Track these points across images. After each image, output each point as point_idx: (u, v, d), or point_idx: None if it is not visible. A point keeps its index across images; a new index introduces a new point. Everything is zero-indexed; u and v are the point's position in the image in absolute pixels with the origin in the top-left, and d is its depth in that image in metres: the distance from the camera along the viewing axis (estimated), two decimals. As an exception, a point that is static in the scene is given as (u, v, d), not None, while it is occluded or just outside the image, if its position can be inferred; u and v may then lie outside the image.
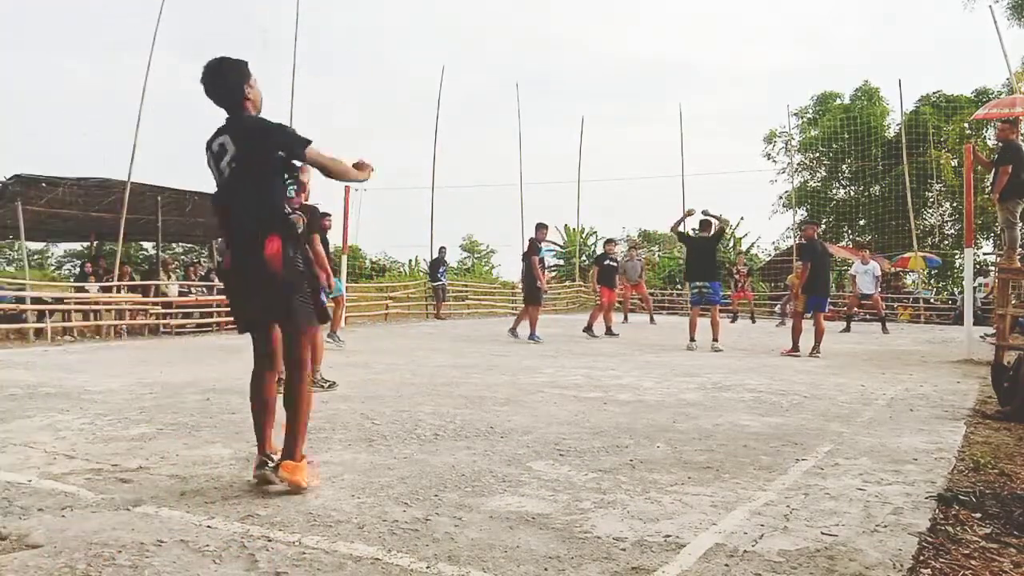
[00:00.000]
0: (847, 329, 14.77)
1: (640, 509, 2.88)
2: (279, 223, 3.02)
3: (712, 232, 10.55)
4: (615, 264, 13.43)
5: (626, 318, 17.60)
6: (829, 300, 9.91)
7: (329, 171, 3.15)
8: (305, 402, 3.12)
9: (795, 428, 4.58)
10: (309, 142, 3.05)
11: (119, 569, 2.24)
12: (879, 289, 16.18)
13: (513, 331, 11.42)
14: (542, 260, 11.55)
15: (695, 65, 70.82)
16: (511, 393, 5.88)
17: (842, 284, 26.19)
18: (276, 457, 3.09)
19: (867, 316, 20.65)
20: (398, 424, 4.52)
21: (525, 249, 11.55)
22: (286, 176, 3.16)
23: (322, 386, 5.83)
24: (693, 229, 11.11)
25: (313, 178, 5.51)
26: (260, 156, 3.05)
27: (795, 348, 9.44)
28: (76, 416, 4.69)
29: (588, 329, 12.24)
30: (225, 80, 3.11)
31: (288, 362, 3.12)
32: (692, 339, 10.30)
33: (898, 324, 18.83)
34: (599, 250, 32.11)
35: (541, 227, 11.47)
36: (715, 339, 10.05)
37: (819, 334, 9.41)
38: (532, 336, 11.03)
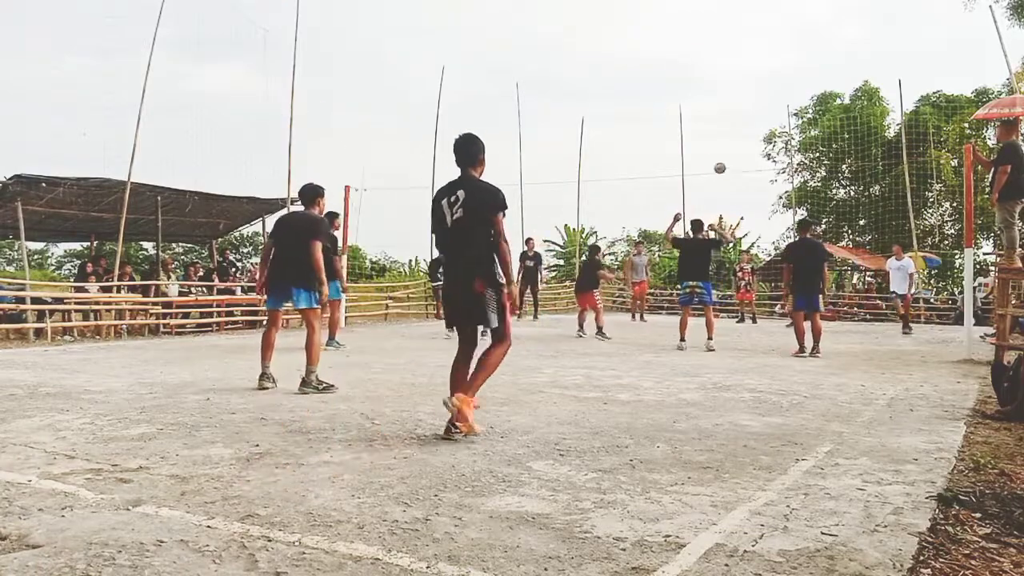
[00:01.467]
0: (908, 331, 14.23)
1: (640, 509, 2.88)
2: (485, 267, 4.20)
3: (708, 236, 10.59)
4: (531, 264, 14.39)
5: (641, 317, 17.65)
6: (823, 299, 9.91)
7: (502, 237, 4.25)
8: (494, 364, 4.30)
9: (795, 428, 4.58)
10: (507, 208, 4.30)
11: (119, 569, 2.24)
12: (912, 290, 15.58)
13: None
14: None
15: (695, 65, 70.82)
16: (511, 393, 5.88)
17: (842, 284, 26.22)
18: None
19: (867, 316, 20.66)
20: (398, 424, 4.52)
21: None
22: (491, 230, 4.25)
23: (317, 388, 5.80)
24: (687, 232, 11.16)
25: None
26: (483, 209, 4.21)
27: (801, 348, 9.45)
28: (76, 416, 4.69)
29: (600, 332, 12.24)
30: (473, 150, 4.36)
31: (494, 341, 4.34)
32: (683, 339, 10.31)
33: (898, 324, 18.83)
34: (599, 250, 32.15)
35: (530, 240, 12.18)
36: (709, 338, 10.07)
37: (816, 334, 9.43)
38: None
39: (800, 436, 4.33)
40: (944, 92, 26.99)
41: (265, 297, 6.43)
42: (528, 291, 16.74)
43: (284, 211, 15.78)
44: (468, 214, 4.20)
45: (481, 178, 4.37)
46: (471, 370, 4.30)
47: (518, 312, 14.62)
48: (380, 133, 57.81)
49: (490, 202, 4.23)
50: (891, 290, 15.35)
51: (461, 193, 4.23)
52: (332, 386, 5.89)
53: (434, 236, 4.54)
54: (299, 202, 6.59)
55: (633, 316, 17.80)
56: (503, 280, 4.21)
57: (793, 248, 10.08)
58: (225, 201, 15.09)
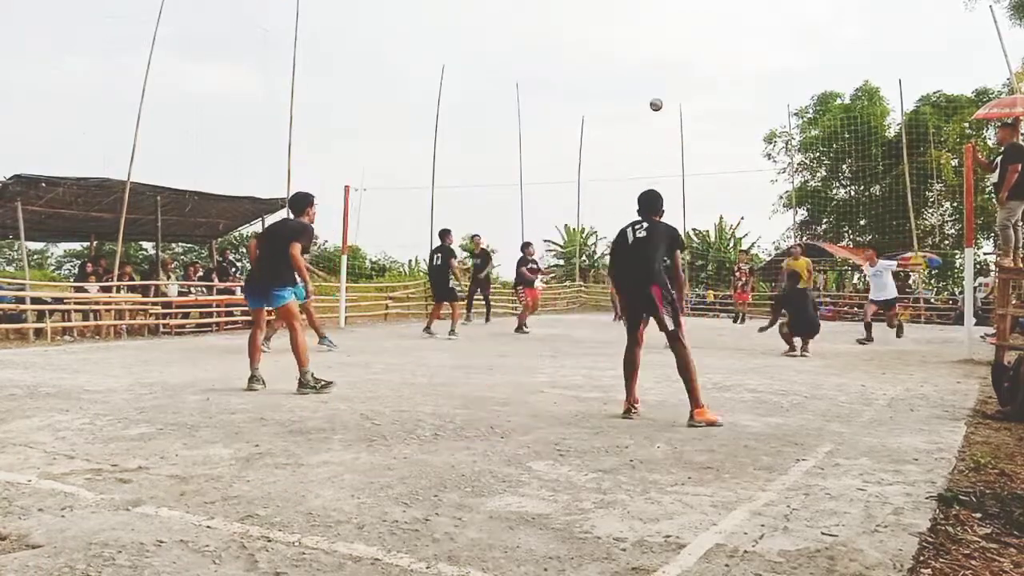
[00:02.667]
0: (868, 339, 11.94)
1: (640, 509, 2.88)
2: (659, 277, 4.99)
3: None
4: (534, 266, 14.30)
5: (618, 316, 17.52)
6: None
7: (679, 270, 5.20)
8: (691, 367, 4.83)
9: (795, 428, 4.58)
10: (684, 248, 5.39)
11: (119, 569, 2.23)
12: (903, 292, 13.14)
13: (428, 329, 11.98)
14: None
15: (695, 65, 70.73)
16: (511, 393, 5.88)
17: (842, 284, 26.22)
18: (639, 407, 5.06)
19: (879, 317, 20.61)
20: (398, 424, 4.52)
21: (443, 253, 12.30)
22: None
23: (315, 387, 5.75)
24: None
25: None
26: (663, 240, 5.06)
27: (791, 348, 9.49)
28: (76, 416, 4.69)
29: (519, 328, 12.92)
30: (656, 203, 5.27)
31: (672, 345, 4.94)
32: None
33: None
34: (600, 250, 32.21)
35: (447, 233, 12.53)
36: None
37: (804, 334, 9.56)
38: (452, 332, 11.72)
39: (800, 436, 4.33)
40: (944, 92, 27.00)
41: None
42: (478, 292, 15.21)
43: (284, 211, 15.82)
44: (650, 236, 5.06)
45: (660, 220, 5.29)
46: (638, 372, 5.18)
47: (466, 317, 14.42)
48: (380, 133, 57.80)
49: (669, 241, 5.11)
50: (874, 299, 12.68)
51: (646, 224, 5.12)
52: (331, 383, 5.86)
53: (611, 256, 5.44)
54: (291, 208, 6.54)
55: (616, 317, 17.67)
56: (675, 295, 5.04)
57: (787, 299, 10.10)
58: (225, 201, 15.08)
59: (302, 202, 6.47)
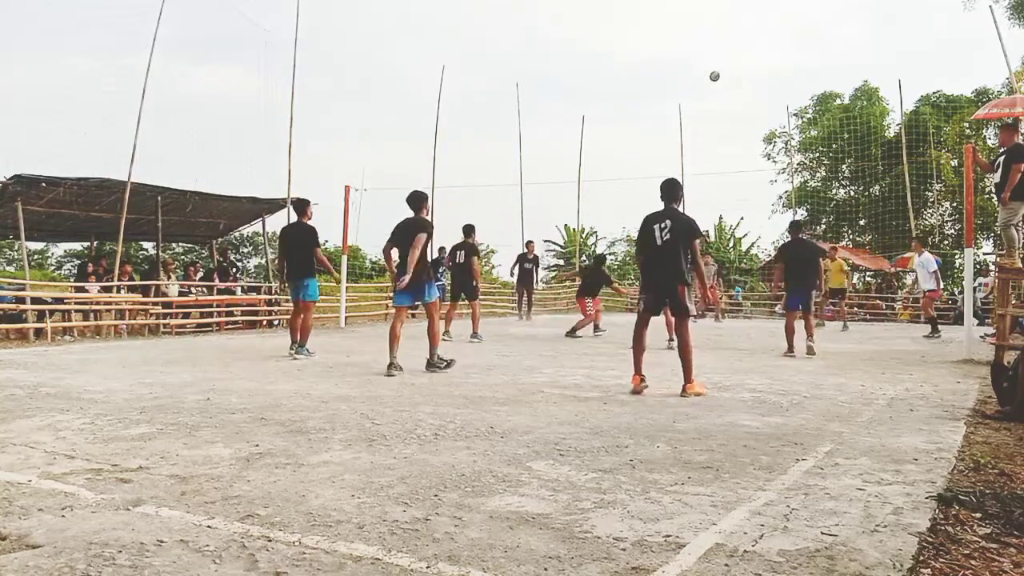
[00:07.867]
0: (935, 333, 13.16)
1: (640, 509, 2.88)
2: (685, 276, 5.86)
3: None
4: (528, 266, 14.09)
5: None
6: (819, 294, 10.20)
7: (698, 256, 5.98)
8: (691, 348, 5.83)
9: (795, 428, 4.58)
10: (701, 235, 5.66)
11: (119, 569, 2.24)
12: (940, 285, 14.31)
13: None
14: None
15: (695, 65, 70.71)
16: (511, 393, 5.88)
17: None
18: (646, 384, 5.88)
19: (867, 316, 20.64)
20: (398, 424, 4.52)
21: (466, 250, 11.79)
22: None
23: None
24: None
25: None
26: (686, 238, 5.82)
27: (790, 349, 9.47)
28: (76, 416, 4.69)
29: (596, 328, 12.63)
30: (677, 191, 6.05)
31: (679, 333, 5.94)
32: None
33: (898, 324, 18.84)
34: (599, 250, 32.24)
35: (472, 230, 11.99)
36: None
37: (808, 332, 9.51)
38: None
39: (800, 436, 4.33)
40: (944, 92, 27.03)
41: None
42: (524, 293, 17.03)
43: (285, 211, 15.81)
44: (674, 236, 5.75)
45: (679, 209, 6.01)
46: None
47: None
48: (380, 133, 57.74)
49: (689, 231, 5.83)
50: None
51: (668, 222, 5.78)
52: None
53: (641, 249, 6.07)
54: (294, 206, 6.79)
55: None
56: (692, 283, 5.98)
57: (785, 249, 10.18)
58: (225, 201, 15.08)
59: None
